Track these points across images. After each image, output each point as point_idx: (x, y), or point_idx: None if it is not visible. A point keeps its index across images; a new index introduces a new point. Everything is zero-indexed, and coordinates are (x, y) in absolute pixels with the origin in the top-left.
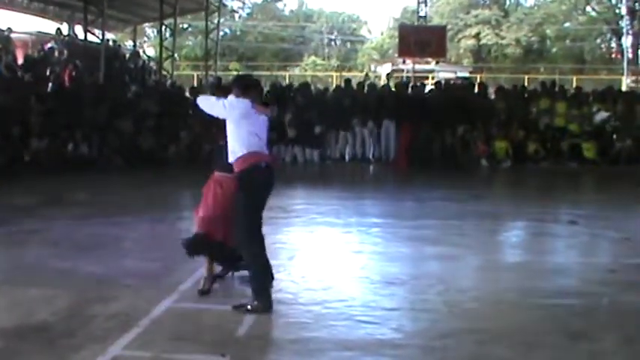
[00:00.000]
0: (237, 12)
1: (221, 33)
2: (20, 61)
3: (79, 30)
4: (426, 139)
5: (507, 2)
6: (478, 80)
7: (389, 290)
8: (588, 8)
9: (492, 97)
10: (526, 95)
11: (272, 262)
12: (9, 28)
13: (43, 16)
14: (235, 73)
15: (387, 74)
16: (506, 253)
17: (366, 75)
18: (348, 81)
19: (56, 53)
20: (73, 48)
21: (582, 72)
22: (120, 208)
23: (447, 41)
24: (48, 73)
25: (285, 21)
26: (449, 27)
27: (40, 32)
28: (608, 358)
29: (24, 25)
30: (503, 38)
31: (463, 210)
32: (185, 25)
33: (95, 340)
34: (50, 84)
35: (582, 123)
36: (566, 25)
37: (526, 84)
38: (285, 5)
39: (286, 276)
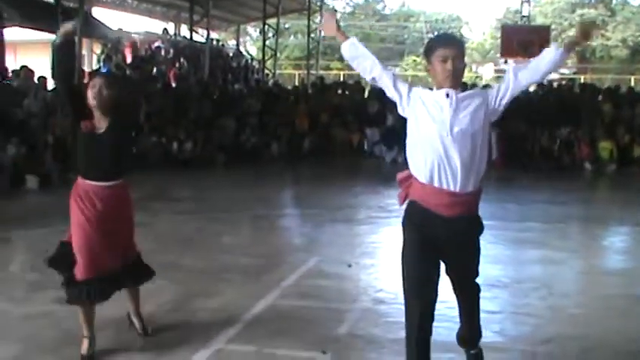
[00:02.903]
0: (339, 11)
1: (322, 33)
2: (129, 60)
3: (184, 29)
4: (528, 141)
5: (614, 1)
6: (582, 80)
7: (491, 293)
8: None
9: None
10: (633, 97)
11: (371, 261)
12: (120, 29)
13: (150, 16)
14: (336, 72)
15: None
16: (611, 258)
17: None
18: None
19: (162, 52)
20: (179, 47)
21: None
22: (222, 205)
23: (551, 41)
24: (155, 71)
25: (386, 20)
26: (553, 27)
27: (147, 32)
28: None
29: (133, 25)
30: (608, 39)
31: (567, 213)
32: (287, 25)
33: (198, 333)
34: (157, 82)
35: None
36: None
37: (632, 85)
38: (385, 6)
39: (386, 275)
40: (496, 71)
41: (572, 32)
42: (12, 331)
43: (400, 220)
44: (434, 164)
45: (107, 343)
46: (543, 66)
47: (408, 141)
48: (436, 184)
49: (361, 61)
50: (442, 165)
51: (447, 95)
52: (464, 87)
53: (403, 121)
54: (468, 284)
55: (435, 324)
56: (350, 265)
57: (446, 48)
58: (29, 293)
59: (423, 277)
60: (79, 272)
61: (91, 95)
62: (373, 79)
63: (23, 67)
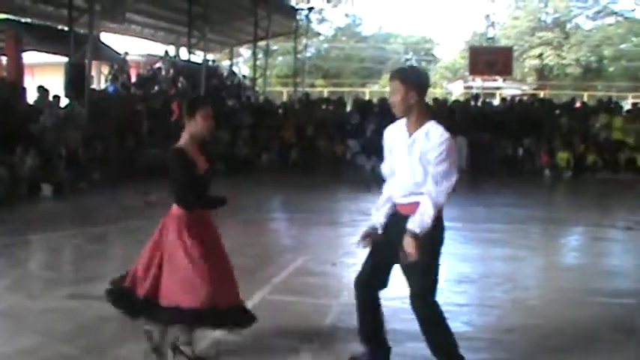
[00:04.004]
0: (322, 34)
1: (308, 53)
2: (133, 79)
3: (183, 52)
4: (494, 150)
5: (568, 25)
6: (541, 96)
7: (460, 288)
8: None
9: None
10: (586, 111)
11: (353, 260)
12: (125, 52)
13: (153, 40)
14: (320, 89)
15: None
16: (567, 255)
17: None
18: None
19: (163, 72)
20: (178, 67)
21: (637, 90)
22: (219, 209)
23: (513, 61)
24: (156, 89)
25: (366, 42)
26: (515, 48)
27: (149, 54)
28: None
29: (137, 48)
30: (564, 58)
31: (528, 215)
32: (275, 47)
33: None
34: (158, 99)
35: (638, 137)
36: (623, 46)
37: (585, 100)
38: (364, 27)
39: None
40: (465, 88)
41: (531, 52)
42: (31, 324)
43: None
44: None
45: (112, 337)
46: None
47: None
48: None
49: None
50: None
51: None
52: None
53: (380, 132)
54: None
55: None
56: (334, 264)
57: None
58: (46, 290)
59: None
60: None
61: (207, 127)
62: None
63: (40, 86)
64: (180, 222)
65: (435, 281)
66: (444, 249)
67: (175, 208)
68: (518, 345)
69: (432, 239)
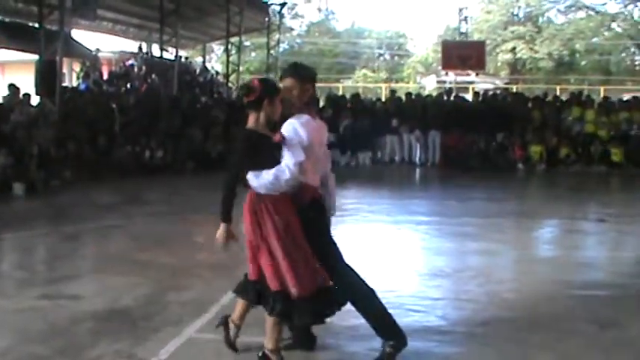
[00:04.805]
0: (295, 29)
1: (281, 49)
2: (105, 76)
3: (155, 48)
4: (467, 144)
5: (540, 19)
6: (514, 90)
7: (435, 282)
8: (614, 25)
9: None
10: (558, 104)
11: None
12: (97, 49)
13: (124, 37)
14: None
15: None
16: (541, 248)
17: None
18: (393, 91)
19: (135, 69)
20: (150, 64)
21: (609, 83)
22: (192, 207)
23: (486, 55)
24: (129, 86)
25: (339, 37)
26: (487, 42)
27: (122, 51)
28: (635, 344)
29: (109, 45)
30: (536, 52)
31: (502, 209)
32: (247, 43)
33: (171, 323)
34: (130, 96)
35: (610, 129)
36: (594, 40)
37: (558, 94)
38: (337, 22)
39: None
40: (438, 82)
41: (504, 47)
42: (3, 324)
43: (354, 218)
44: None
45: (86, 337)
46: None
47: None
48: None
49: (277, 177)
50: None
51: None
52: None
53: (354, 128)
54: None
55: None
56: None
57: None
58: (18, 289)
59: None
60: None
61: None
62: (300, 162)
63: (11, 84)
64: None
65: (334, 261)
66: (417, 243)
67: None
68: (493, 338)
69: (309, 222)
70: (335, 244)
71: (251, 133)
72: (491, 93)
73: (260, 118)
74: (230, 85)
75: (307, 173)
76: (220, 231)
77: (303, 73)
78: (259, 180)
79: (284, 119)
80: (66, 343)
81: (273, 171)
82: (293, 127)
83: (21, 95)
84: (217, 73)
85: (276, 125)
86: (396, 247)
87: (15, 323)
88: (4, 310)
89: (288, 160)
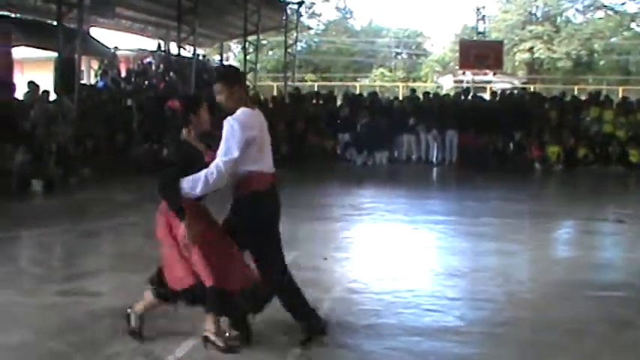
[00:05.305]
0: (313, 28)
1: (298, 47)
2: (123, 74)
3: (173, 46)
4: (484, 144)
5: (559, 19)
6: (532, 90)
7: (452, 281)
8: (633, 25)
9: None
10: (576, 104)
11: (344, 255)
12: (115, 47)
13: (142, 35)
14: (311, 83)
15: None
16: (558, 248)
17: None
18: (413, 91)
19: (153, 67)
20: (168, 62)
21: (628, 83)
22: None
23: (504, 54)
24: (146, 84)
25: (356, 36)
26: (505, 41)
27: (140, 49)
28: None
29: (127, 42)
30: (554, 52)
31: (519, 209)
32: (265, 42)
33: (188, 321)
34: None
35: (629, 130)
36: (613, 39)
37: (576, 94)
38: (355, 20)
39: (358, 267)
40: (455, 82)
41: (522, 46)
42: (22, 320)
43: (371, 217)
44: None
45: (104, 333)
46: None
47: None
48: None
49: (213, 180)
50: None
51: None
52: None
53: (371, 127)
54: None
55: (402, 310)
56: (325, 259)
57: None
58: (36, 286)
59: None
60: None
61: (208, 121)
62: (235, 159)
63: (30, 82)
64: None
65: (270, 260)
66: (434, 242)
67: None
68: (511, 339)
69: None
70: (279, 239)
71: (184, 145)
72: (508, 92)
73: (191, 131)
74: (247, 83)
75: (258, 162)
76: (191, 230)
77: (227, 76)
78: (189, 183)
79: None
80: (84, 340)
81: (202, 173)
82: (229, 125)
83: (40, 92)
84: None
85: (209, 133)
86: (413, 246)
87: (33, 319)
88: (23, 306)
89: (218, 159)
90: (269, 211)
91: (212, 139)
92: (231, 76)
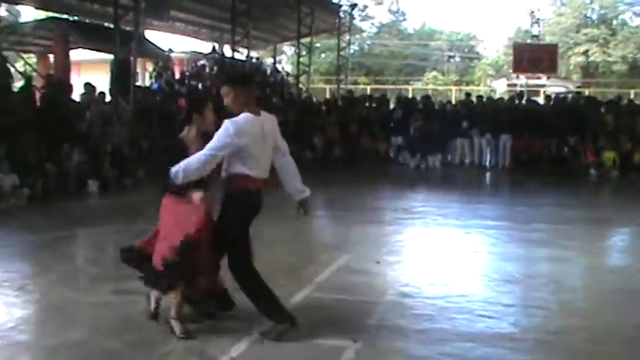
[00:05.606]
0: (365, 31)
1: (351, 50)
2: (177, 76)
3: (226, 49)
4: (538, 149)
5: (614, 22)
6: (587, 94)
7: (506, 288)
8: None
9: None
10: (633, 108)
11: (397, 258)
12: (169, 49)
13: (196, 37)
14: (363, 86)
15: None
16: (613, 256)
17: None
18: (467, 95)
19: (207, 69)
20: (222, 64)
21: None
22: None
23: (558, 58)
24: (200, 86)
25: (409, 39)
26: (560, 45)
27: (194, 51)
28: None
29: (181, 45)
30: (610, 55)
31: (573, 215)
32: (318, 44)
33: (241, 322)
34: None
35: None
36: None
37: (632, 97)
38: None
39: (411, 271)
40: (508, 85)
41: (576, 49)
42: (78, 318)
43: (423, 221)
44: None
45: (158, 332)
46: None
47: None
48: None
49: (203, 166)
50: None
51: None
52: None
53: (424, 130)
54: None
55: (455, 315)
56: (378, 262)
57: None
58: (92, 284)
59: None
60: None
61: (211, 122)
62: (216, 156)
63: (87, 83)
64: None
65: (237, 252)
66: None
67: None
68: (564, 347)
69: (228, 210)
70: (248, 236)
71: (180, 143)
72: (562, 96)
73: (192, 130)
74: (300, 86)
75: (246, 164)
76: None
77: (233, 78)
78: (174, 169)
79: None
80: (138, 338)
81: (185, 161)
82: (225, 126)
83: (96, 94)
84: (288, 74)
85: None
86: (465, 251)
87: (89, 317)
88: (78, 304)
89: (204, 150)
90: (255, 205)
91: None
92: (238, 79)
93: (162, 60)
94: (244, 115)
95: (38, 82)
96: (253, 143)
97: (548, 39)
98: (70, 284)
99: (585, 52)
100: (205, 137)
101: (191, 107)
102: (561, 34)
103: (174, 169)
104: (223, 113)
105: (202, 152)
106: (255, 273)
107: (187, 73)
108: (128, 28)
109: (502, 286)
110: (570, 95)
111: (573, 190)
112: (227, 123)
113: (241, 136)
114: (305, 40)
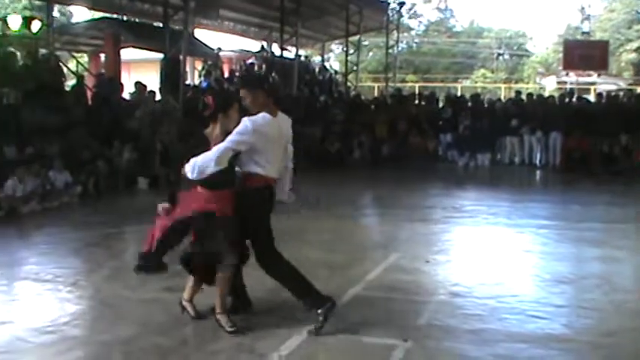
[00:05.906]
0: (414, 29)
1: (399, 48)
2: (226, 74)
3: (275, 47)
4: (589, 147)
5: None
6: (638, 92)
7: (558, 288)
8: None
9: None
10: None
11: (446, 257)
12: (219, 48)
13: (245, 36)
14: (412, 84)
15: None
16: None
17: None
18: (518, 93)
19: (256, 67)
20: (270, 63)
21: None
22: (308, 204)
23: (609, 55)
24: None
25: (457, 37)
26: (611, 42)
27: (242, 50)
28: None
29: (230, 44)
30: None
31: (626, 214)
32: (366, 42)
33: (291, 320)
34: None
35: None
36: None
37: None
38: (455, 24)
39: (461, 271)
40: (558, 83)
41: (628, 46)
42: (129, 314)
43: (473, 220)
44: None
45: (208, 329)
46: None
47: None
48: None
49: (219, 158)
50: None
51: None
52: None
53: (473, 128)
54: None
55: (506, 315)
56: (428, 261)
57: None
58: (142, 281)
59: None
60: None
61: (236, 121)
62: (231, 148)
63: (137, 82)
64: None
65: (259, 246)
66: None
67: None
68: (619, 349)
69: (242, 206)
70: (270, 229)
71: (204, 139)
72: (614, 94)
73: (216, 128)
74: (349, 84)
75: (259, 164)
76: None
77: (250, 82)
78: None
79: None
80: (188, 335)
81: (206, 153)
82: (244, 123)
83: (146, 93)
84: (336, 72)
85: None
86: (516, 250)
87: (138, 314)
88: (128, 300)
89: (221, 144)
90: (268, 202)
91: None
92: (254, 82)
93: (211, 59)
94: (262, 115)
95: (90, 81)
96: (269, 143)
97: (598, 35)
98: (121, 281)
99: (637, 49)
100: (226, 137)
101: (217, 106)
102: (612, 30)
103: (189, 163)
104: (248, 114)
105: (219, 145)
106: (281, 256)
107: (236, 72)
108: (178, 27)
109: (554, 287)
110: (621, 93)
111: (625, 189)
112: (245, 120)
113: (258, 134)
114: (353, 39)
